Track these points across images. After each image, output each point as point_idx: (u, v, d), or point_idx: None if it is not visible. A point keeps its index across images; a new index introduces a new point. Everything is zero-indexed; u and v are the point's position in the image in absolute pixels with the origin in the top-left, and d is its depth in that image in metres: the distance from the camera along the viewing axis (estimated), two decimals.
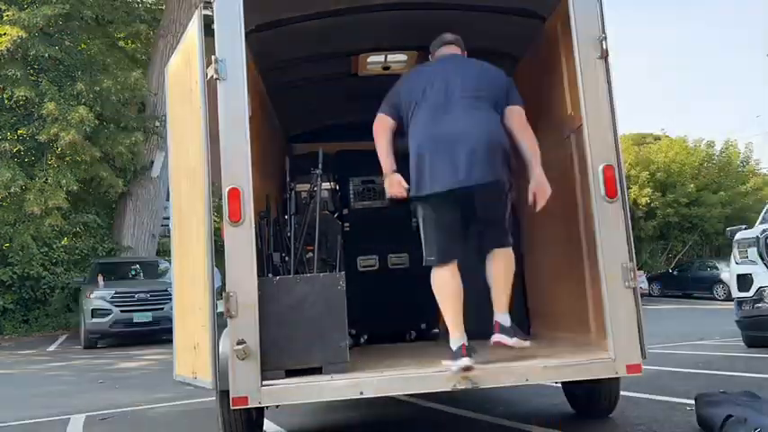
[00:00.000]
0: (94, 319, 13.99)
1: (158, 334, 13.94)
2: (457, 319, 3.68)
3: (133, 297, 14.29)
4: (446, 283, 3.73)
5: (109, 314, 14.05)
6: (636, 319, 3.52)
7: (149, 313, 14.14)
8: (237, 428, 3.79)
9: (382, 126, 3.96)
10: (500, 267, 3.91)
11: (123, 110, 17.88)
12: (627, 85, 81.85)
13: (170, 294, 4.92)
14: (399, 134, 3.97)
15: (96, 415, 6.11)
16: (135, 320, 14.12)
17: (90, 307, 14.07)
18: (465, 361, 3.45)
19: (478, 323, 5.79)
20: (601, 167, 3.61)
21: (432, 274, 3.78)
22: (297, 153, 6.74)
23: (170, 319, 4.59)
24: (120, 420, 5.86)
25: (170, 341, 4.51)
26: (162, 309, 13.87)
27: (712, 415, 3.84)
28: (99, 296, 14.22)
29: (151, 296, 14.33)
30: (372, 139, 3.93)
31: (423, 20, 4.86)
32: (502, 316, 3.86)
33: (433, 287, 3.78)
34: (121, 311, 14.11)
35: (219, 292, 3.53)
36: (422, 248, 3.83)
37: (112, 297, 14.22)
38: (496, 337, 3.86)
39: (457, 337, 3.61)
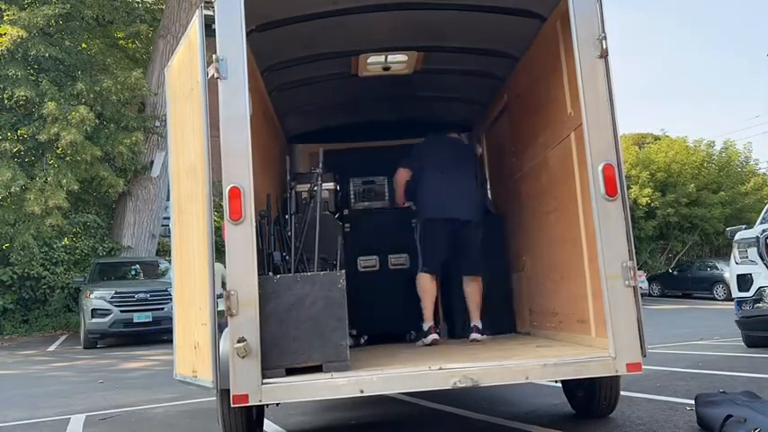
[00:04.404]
0: (94, 319, 13.97)
1: (158, 334, 13.96)
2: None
3: (133, 297, 14.27)
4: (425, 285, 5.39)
5: (109, 314, 14.03)
6: (636, 317, 3.51)
7: (149, 313, 14.13)
8: (238, 427, 3.79)
9: (402, 176, 5.78)
10: (473, 290, 5.46)
11: (123, 110, 17.86)
12: (627, 84, 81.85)
13: (170, 294, 4.92)
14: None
15: (96, 415, 6.11)
16: (135, 320, 14.10)
17: (90, 307, 14.05)
18: (432, 336, 5.17)
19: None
20: (601, 166, 3.60)
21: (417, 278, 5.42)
22: (297, 153, 6.75)
23: (170, 319, 4.58)
24: (120, 420, 5.86)
25: (170, 341, 4.51)
26: (162, 309, 13.87)
27: (712, 415, 3.84)
28: (99, 296, 14.21)
29: (151, 296, 14.31)
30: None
31: (423, 20, 4.86)
32: (476, 321, 5.40)
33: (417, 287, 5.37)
34: (121, 311, 14.09)
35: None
36: None
37: (112, 297, 14.20)
38: (473, 336, 5.29)
39: (428, 322, 5.29)
